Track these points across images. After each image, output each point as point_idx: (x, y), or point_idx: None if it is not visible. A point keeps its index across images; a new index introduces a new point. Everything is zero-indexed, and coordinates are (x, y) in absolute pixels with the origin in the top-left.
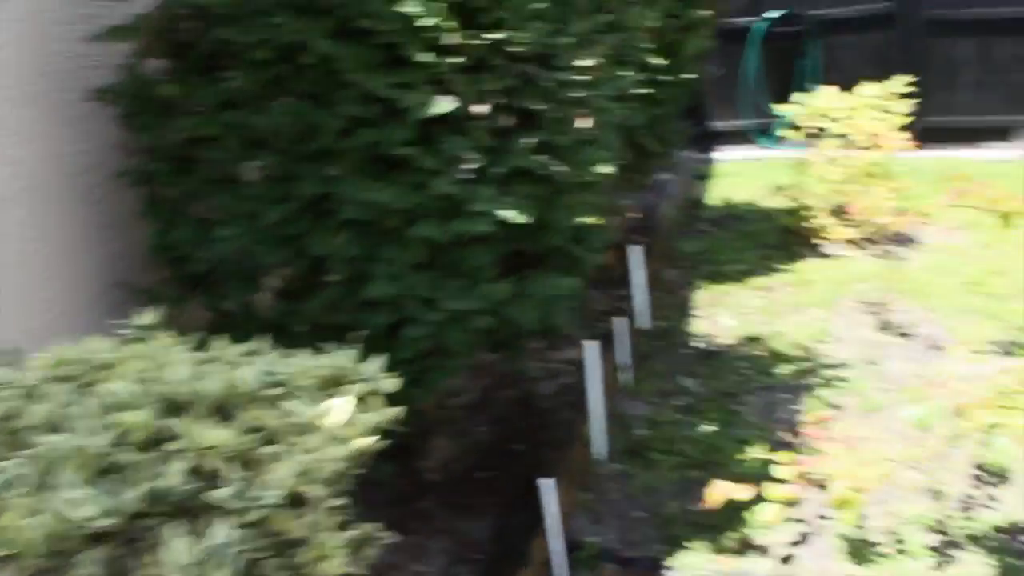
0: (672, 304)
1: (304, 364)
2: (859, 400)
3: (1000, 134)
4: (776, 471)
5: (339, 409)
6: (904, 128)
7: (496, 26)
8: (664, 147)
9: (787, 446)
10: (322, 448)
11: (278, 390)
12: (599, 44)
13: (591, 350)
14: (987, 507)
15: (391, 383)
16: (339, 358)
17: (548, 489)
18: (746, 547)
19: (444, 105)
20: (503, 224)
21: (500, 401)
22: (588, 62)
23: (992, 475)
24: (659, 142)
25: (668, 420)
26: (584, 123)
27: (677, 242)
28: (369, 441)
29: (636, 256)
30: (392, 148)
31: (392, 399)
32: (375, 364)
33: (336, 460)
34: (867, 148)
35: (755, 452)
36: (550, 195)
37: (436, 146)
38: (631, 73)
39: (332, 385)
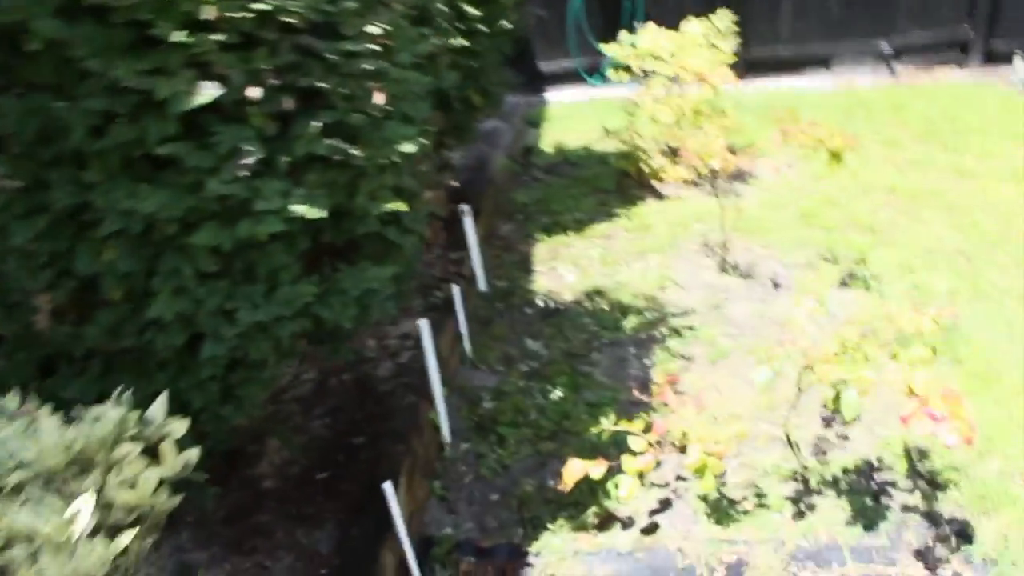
0: (511, 261)
1: (51, 439)
2: (707, 349)
3: (822, 63)
4: (631, 442)
5: (86, 511)
6: (730, 63)
7: None
8: (488, 100)
9: (640, 406)
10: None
11: (21, 475)
12: (391, 5)
13: (426, 330)
14: (839, 447)
15: (180, 426)
16: (108, 417)
17: (391, 493)
18: (608, 521)
19: (209, 93)
20: (301, 219)
21: (336, 389)
22: (376, 29)
23: (841, 416)
24: (483, 95)
25: (515, 389)
26: (379, 98)
27: (512, 193)
28: (127, 539)
29: (468, 217)
30: (154, 146)
31: (205, 421)
32: (159, 406)
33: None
34: (697, 82)
35: (608, 417)
36: (349, 181)
37: (207, 140)
38: (431, 33)
39: (87, 461)
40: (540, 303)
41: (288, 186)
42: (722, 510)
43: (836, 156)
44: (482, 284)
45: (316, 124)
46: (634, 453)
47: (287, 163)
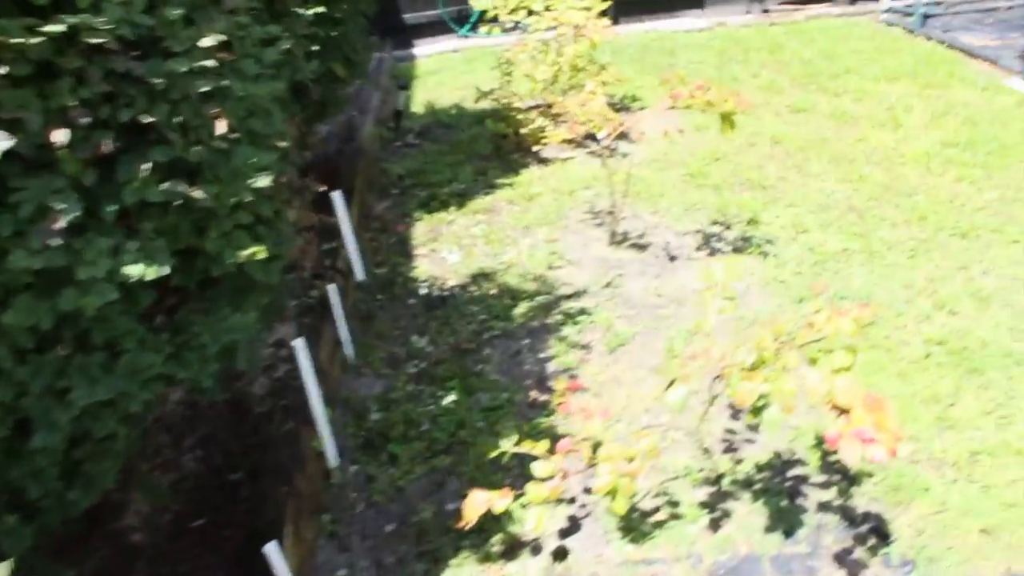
0: (389, 244)
1: None
2: (605, 335)
3: (695, 3)
4: (535, 467)
5: None
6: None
7: (60, 9)
8: (353, 69)
9: (539, 409)
10: None
11: None
12: (229, 6)
13: (302, 350)
14: (750, 442)
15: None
16: None
17: (275, 553)
18: (515, 548)
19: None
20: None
21: (208, 412)
22: (211, 39)
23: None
24: (346, 65)
25: (404, 395)
26: (221, 125)
27: (386, 164)
28: None
29: (340, 202)
30: None
31: (47, 509)
32: None
33: None
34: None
35: (506, 430)
36: (195, 225)
37: (5, 200)
38: (281, 30)
39: None
40: (424, 291)
41: (119, 240)
42: (635, 526)
43: (728, 120)
44: (360, 274)
45: (146, 165)
46: (539, 479)
47: (114, 214)
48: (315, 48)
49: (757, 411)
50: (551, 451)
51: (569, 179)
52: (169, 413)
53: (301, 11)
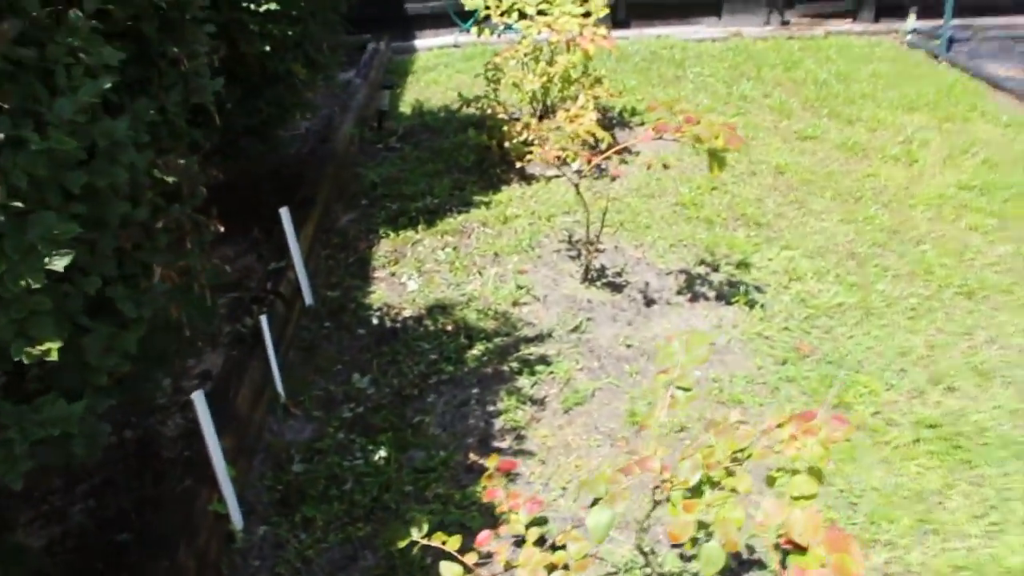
0: (347, 264)
1: None
2: (563, 390)
3: (712, 9)
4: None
5: None
6: (605, 15)
7: None
8: (316, 71)
9: (475, 474)
10: None
11: None
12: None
13: (202, 405)
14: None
15: None
16: None
17: None
18: None
19: None
20: None
21: (114, 451)
22: None
23: None
24: (309, 66)
25: (332, 444)
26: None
27: (360, 168)
28: None
29: (288, 222)
30: None
31: None
32: None
33: None
34: (568, 44)
35: (437, 488)
36: None
37: None
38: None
39: None
40: (376, 321)
41: None
42: None
43: (717, 159)
44: (308, 297)
45: None
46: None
47: None
48: (267, 48)
49: (694, 543)
50: (463, 549)
51: (550, 201)
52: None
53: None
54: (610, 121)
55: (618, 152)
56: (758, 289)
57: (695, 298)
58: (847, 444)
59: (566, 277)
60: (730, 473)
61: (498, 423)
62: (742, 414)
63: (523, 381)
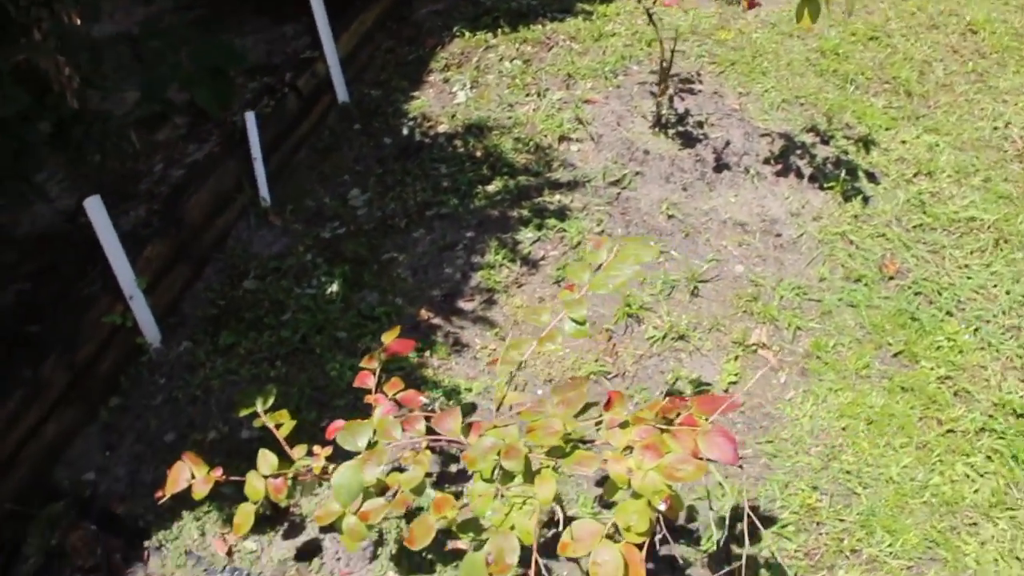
0: (403, 61)
1: None
2: (563, 256)
3: None
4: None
5: None
6: None
7: None
8: None
9: (420, 332)
10: None
11: None
12: None
13: (95, 208)
14: None
15: None
16: None
17: None
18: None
19: None
20: None
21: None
22: None
23: None
24: None
25: (293, 266)
26: None
27: None
28: None
29: (319, 4)
30: None
31: None
32: None
33: None
34: None
35: (367, 342)
36: None
37: None
38: None
39: None
40: (405, 131)
41: None
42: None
43: (811, 3)
44: (342, 93)
45: None
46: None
47: None
48: None
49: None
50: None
51: (667, 22)
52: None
53: None
54: None
55: None
56: (871, 177)
57: (784, 172)
58: (881, 405)
59: (636, 117)
60: (532, 469)
61: (475, 279)
62: (765, 335)
63: (526, 234)
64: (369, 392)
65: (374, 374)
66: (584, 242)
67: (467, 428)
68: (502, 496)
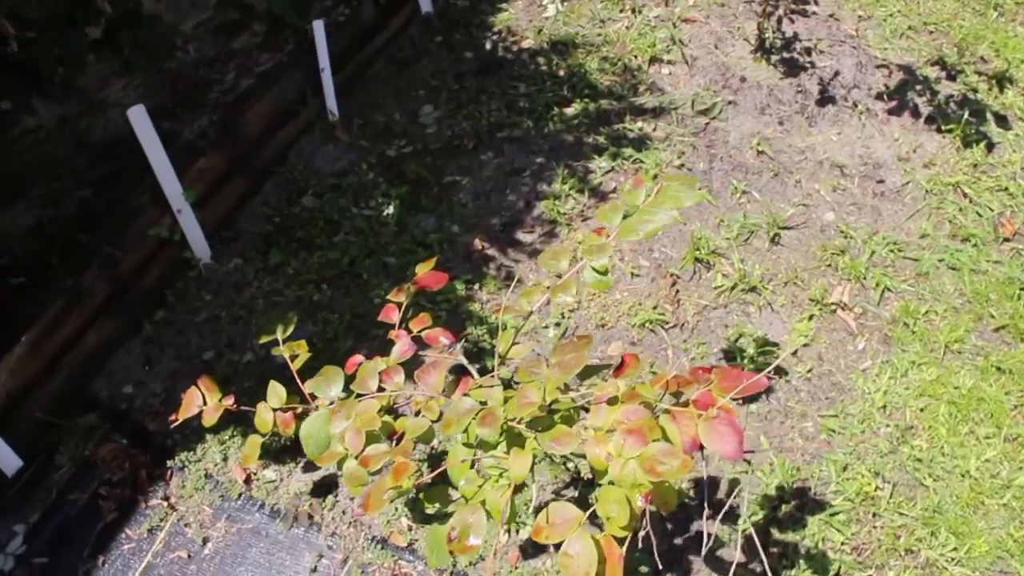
0: None
1: None
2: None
3: None
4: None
5: None
6: None
7: None
8: None
9: (474, 264)
10: None
11: None
12: None
13: (140, 116)
14: None
15: None
16: None
17: None
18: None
19: None
20: None
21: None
22: None
23: None
24: None
25: (354, 184)
26: None
27: None
28: None
29: None
30: None
31: None
32: None
33: None
34: None
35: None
36: None
37: None
38: None
39: None
40: (488, 46)
41: None
42: None
43: None
44: (426, 3)
45: None
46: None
47: None
48: None
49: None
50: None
51: None
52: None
53: None
54: None
55: None
56: (1000, 121)
57: (898, 110)
58: (970, 386)
59: (737, 40)
60: (517, 435)
61: (539, 208)
62: (848, 294)
63: (599, 163)
64: (393, 327)
65: (399, 308)
66: (660, 175)
67: (454, 384)
68: (478, 466)
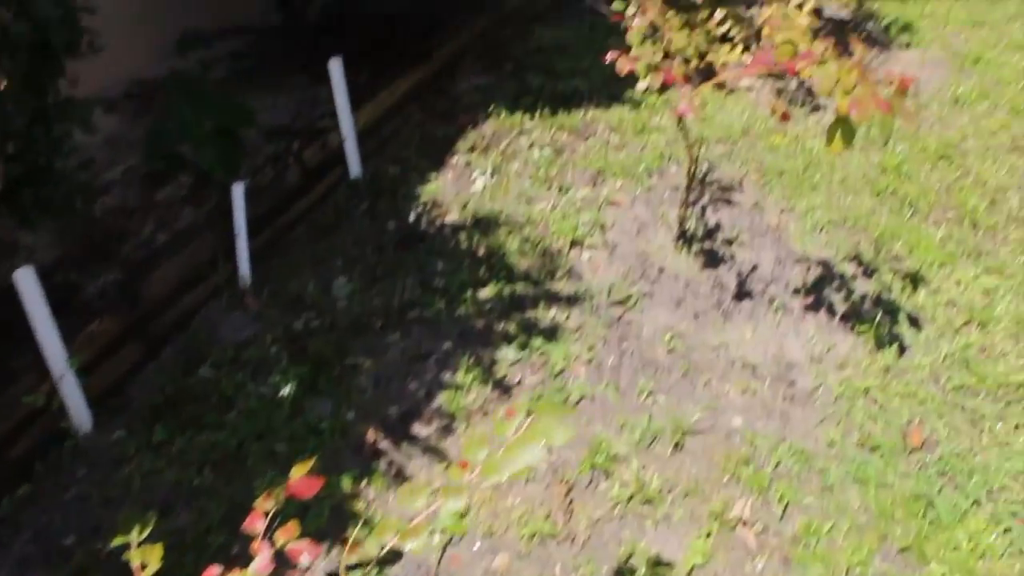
0: (428, 138)
1: None
2: (543, 383)
3: None
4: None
5: None
6: None
7: None
8: None
9: (362, 458)
10: None
11: None
12: None
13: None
14: None
15: None
16: None
17: None
18: None
19: None
20: None
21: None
22: None
23: None
24: None
25: (255, 358)
26: None
27: (540, 26)
28: None
29: (338, 75)
30: None
31: None
32: None
33: None
34: None
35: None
36: None
37: None
38: None
39: None
40: (412, 217)
41: None
42: None
43: (845, 129)
44: (355, 168)
45: None
46: None
47: None
48: None
49: None
50: None
51: (718, 119)
52: None
53: None
54: (866, 36)
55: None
56: (913, 322)
57: (814, 306)
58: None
59: (659, 227)
60: None
61: (439, 399)
62: (750, 509)
63: (507, 353)
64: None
65: (266, 516)
66: (568, 369)
67: None
68: None
